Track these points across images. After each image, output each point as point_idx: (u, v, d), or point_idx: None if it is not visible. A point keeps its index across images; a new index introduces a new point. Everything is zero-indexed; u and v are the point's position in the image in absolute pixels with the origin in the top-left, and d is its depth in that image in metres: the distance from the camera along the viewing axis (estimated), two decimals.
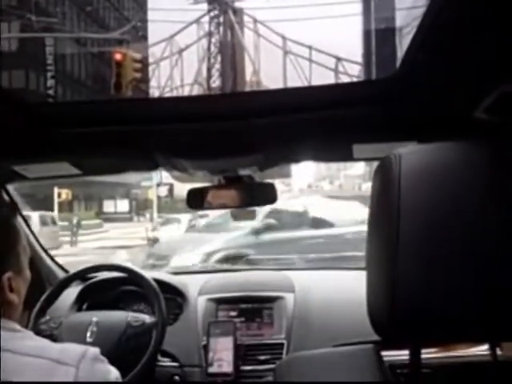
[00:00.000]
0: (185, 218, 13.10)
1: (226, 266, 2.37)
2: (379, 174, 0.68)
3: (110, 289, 1.86)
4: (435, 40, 0.77)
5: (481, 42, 0.76)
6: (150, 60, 23.50)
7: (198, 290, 1.88)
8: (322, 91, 1.14)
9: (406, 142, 1.14)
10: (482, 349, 1.34)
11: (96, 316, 1.61)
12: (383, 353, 0.88)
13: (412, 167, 0.64)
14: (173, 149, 1.29)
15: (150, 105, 1.21)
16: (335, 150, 1.33)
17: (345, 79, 21.83)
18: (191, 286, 1.91)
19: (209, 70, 26.69)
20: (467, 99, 0.98)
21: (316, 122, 1.11)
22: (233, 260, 5.11)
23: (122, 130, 1.16)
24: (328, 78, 22.22)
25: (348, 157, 1.34)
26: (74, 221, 15.59)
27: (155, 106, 1.20)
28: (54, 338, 1.53)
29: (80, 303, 1.85)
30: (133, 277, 1.72)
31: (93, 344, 1.49)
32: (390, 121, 1.11)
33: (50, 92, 18.74)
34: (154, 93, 23.30)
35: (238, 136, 1.20)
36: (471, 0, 0.65)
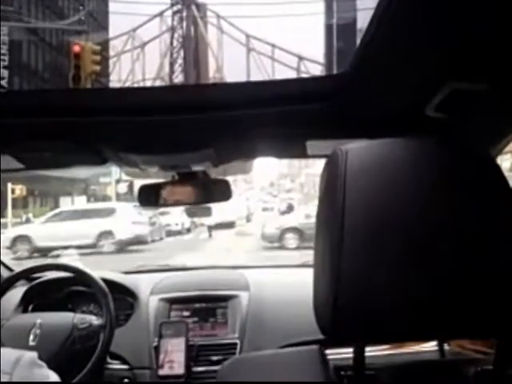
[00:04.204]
0: (144, 214, 12.90)
1: (179, 265, 2.31)
2: (326, 170, 0.67)
3: (58, 289, 1.78)
4: (385, 37, 0.76)
5: (430, 39, 0.75)
6: (111, 53, 23.01)
7: (150, 290, 1.83)
8: (274, 86, 1.11)
9: (358, 139, 1.13)
10: (430, 345, 1.36)
11: (40, 318, 1.54)
12: (331, 351, 0.87)
13: (358, 163, 0.63)
14: (121, 142, 1.24)
15: (96, 95, 1.15)
16: (289, 146, 1.31)
17: None
18: (143, 285, 1.86)
19: (171, 64, 26.38)
20: (418, 96, 0.98)
21: (268, 117, 1.09)
22: None
23: (66, 121, 1.10)
24: (290, 76, 22.41)
25: (302, 153, 1.32)
26: (24, 218, 15.06)
27: (101, 96, 1.14)
28: None
29: (25, 304, 1.77)
30: (80, 277, 1.65)
31: (36, 347, 1.42)
32: (343, 118, 1.10)
33: (3, 83, 18.00)
34: (115, 87, 22.81)
35: (188, 130, 1.16)
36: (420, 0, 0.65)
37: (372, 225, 0.60)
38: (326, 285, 0.61)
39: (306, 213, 11.72)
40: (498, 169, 0.64)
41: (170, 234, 14.39)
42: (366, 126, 1.12)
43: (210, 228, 14.23)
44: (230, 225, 15.53)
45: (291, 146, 1.31)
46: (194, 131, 1.18)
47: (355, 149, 0.64)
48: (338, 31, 19.21)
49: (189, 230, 15.58)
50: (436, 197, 0.61)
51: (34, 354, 0.80)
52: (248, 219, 18.45)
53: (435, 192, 0.61)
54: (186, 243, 13.02)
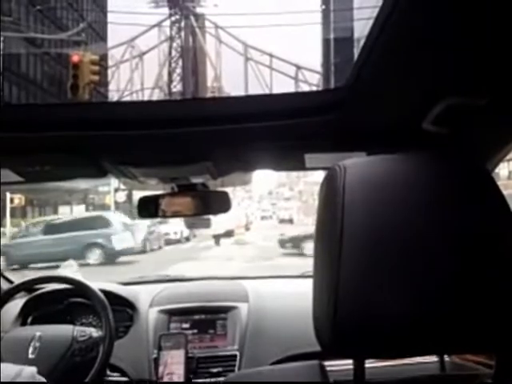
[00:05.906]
0: (143, 224, 12.89)
1: (179, 276, 2.31)
2: (325, 185, 0.67)
3: (57, 301, 1.78)
4: (382, 52, 0.77)
5: (428, 54, 0.76)
6: (110, 63, 23.07)
7: (149, 301, 1.83)
8: (273, 100, 1.12)
9: (357, 152, 1.14)
10: (430, 356, 1.35)
11: (40, 330, 1.54)
12: (331, 362, 0.86)
13: (356, 178, 0.63)
14: (120, 155, 1.25)
15: (96, 109, 1.16)
16: (287, 159, 1.32)
17: (304, 87, 22.17)
18: (142, 296, 1.85)
19: (170, 74, 26.46)
20: (415, 110, 0.99)
21: (267, 130, 1.10)
22: None
23: (65, 135, 1.11)
24: (288, 86, 22.51)
25: (301, 166, 1.33)
26: (23, 227, 14.93)
27: (101, 110, 1.15)
28: None
29: (24, 316, 1.77)
30: (79, 288, 1.65)
31: (35, 360, 1.41)
32: (341, 131, 1.11)
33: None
34: (113, 96, 22.90)
35: (187, 143, 1.17)
36: (419, 13, 0.65)
37: (370, 239, 0.60)
38: (325, 298, 0.62)
39: None
40: (494, 183, 0.65)
41: (169, 242, 14.40)
42: (364, 139, 1.13)
43: (217, 236, 14.31)
44: (228, 234, 15.54)
45: (290, 159, 1.31)
46: (193, 144, 1.18)
47: (353, 165, 0.65)
48: (336, 41, 19.34)
49: (187, 239, 15.61)
50: (434, 211, 0.61)
51: (33, 369, 0.80)
52: (247, 228, 18.45)
53: (433, 207, 0.62)
54: (186, 252, 13.00)
